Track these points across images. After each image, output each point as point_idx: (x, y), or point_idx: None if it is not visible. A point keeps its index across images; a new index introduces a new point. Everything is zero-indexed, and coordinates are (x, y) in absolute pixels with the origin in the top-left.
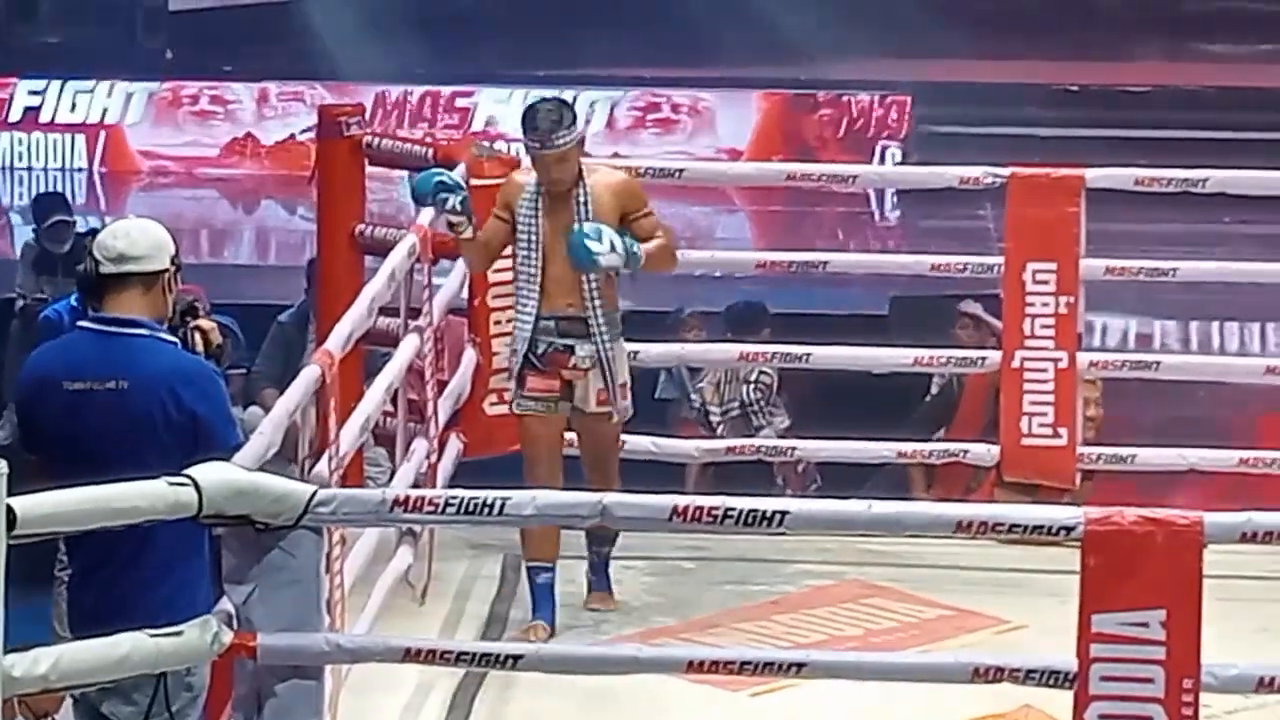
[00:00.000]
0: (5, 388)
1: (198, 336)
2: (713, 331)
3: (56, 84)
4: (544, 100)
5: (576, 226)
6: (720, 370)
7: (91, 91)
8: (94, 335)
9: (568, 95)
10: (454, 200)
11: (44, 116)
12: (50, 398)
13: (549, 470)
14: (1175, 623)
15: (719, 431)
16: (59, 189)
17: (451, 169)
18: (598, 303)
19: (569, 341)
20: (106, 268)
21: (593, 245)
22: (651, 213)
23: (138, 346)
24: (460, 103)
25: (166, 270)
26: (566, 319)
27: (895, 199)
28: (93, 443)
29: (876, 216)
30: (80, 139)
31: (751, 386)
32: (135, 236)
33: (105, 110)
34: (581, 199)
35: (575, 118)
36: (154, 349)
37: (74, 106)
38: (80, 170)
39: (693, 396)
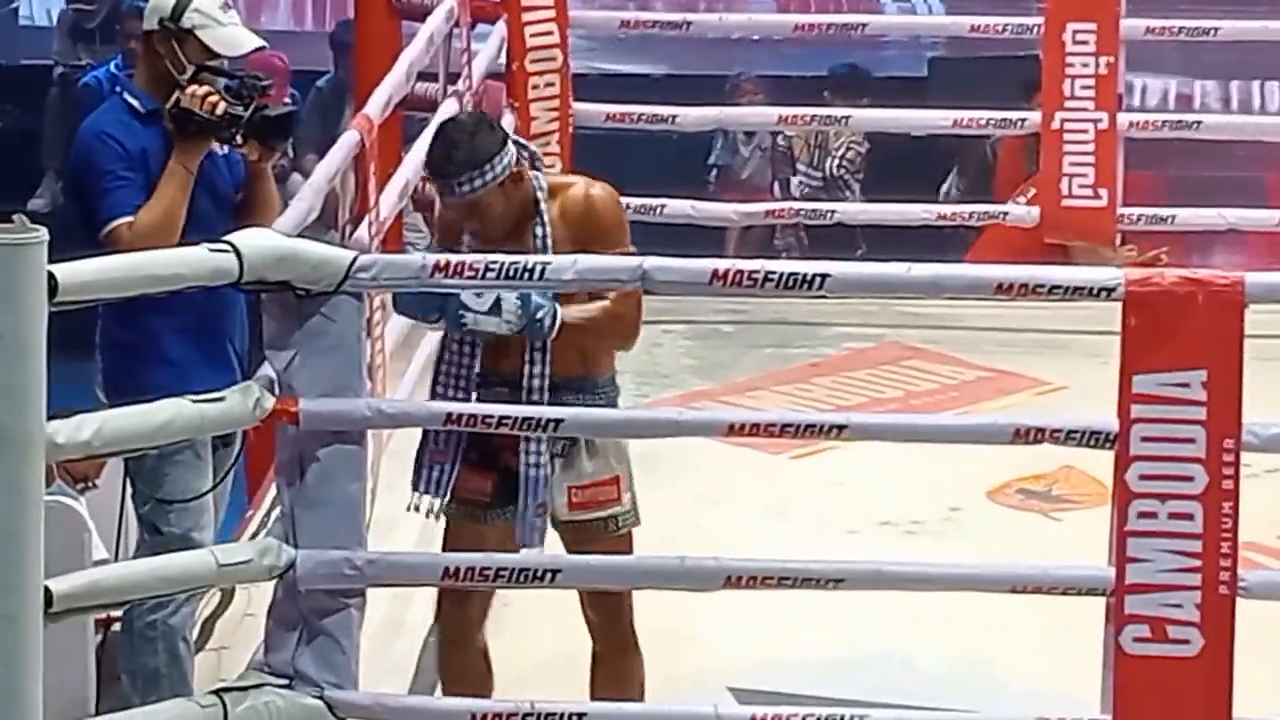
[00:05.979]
0: (44, 153)
1: (195, 103)
2: (771, 97)
3: None
4: (455, 121)
5: None
6: (812, 132)
7: None
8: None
9: None
10: None
11: None
12: None
13: (465, 613)
14: (1216, 383)
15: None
16: None
17: None
18: (545, 363)
19: None
20: None
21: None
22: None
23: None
24: None
25: (153, 31)
26: (506, 383)
27: None
28: None
29: None
30: None
31: (836, 160)
32: None
33: None
34: (539, 233)
35: (497, 149)
36: (96, 111)
37: None
38: None
39: (780, 146)
